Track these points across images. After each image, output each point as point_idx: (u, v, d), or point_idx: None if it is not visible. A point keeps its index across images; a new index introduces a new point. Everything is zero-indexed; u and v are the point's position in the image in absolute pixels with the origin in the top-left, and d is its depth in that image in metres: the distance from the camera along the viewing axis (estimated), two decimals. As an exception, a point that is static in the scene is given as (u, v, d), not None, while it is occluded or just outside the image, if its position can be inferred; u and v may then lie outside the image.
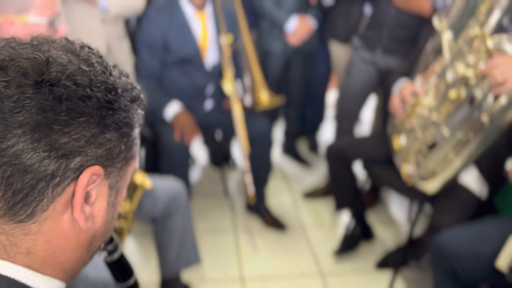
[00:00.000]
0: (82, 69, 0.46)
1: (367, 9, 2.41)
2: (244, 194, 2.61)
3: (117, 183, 0.52)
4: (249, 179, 2.26)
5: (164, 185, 1.73)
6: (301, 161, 3.08)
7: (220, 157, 2.92)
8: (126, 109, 0.49)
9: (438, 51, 1.69)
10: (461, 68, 1.51)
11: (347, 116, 2.49)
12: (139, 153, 0.55)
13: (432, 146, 1.72)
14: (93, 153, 0.47)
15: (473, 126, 1.51)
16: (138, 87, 0.52)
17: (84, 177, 0.46)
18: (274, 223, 2.41)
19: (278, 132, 3.29)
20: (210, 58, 2.30)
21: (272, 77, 2.74)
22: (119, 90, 0.48)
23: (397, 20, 2.16)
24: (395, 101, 1.79)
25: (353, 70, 2.38)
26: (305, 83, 2.94)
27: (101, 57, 0.50)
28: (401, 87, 1.78)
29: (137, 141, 0.54)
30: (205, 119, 2.34)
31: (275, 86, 2.75)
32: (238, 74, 2.42)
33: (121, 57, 2.04)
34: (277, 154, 3.17)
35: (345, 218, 2.45)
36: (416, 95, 1.70)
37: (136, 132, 0.53)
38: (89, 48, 0.50)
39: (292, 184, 2.86)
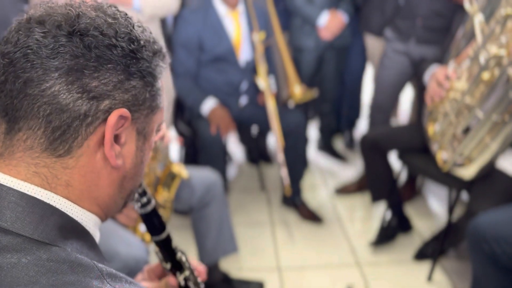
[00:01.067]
0: (108, 22, 0.52)
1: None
2: (280, 189, 2.65)
3: (144, 129, 0.58)
4: (284, 171, 2.29)
5: (200, 175, 1.79)
6: (337, 157, 3.09)
7: (256, 153, 2.97)
8: (149, 59, 0.55)
9: (470, 36, 1.68)
10: (493, 49, 1.49)
11: (381, 109, 2.48)
12: (164, 104, 0.60)
13: (467, 131, 1.70)
14: (120, 97, 0.53)
15: (508, 107, 1.49)
16: (160, 42, 0.58)
17: (113, 118, 0.52)
18: (310, 216, 2.44)
19: (313, 130, 3.31)
20: (243, 55, 2.37)
21: (306, 73, 2.77)
22: (142, 42, 0.54)
23: (431, 8, 2.14)
24: (431, 86, 1.77)
25: (386, 61, 2.37)
26: (339, 79, 2.95)
27: (126, 14, 0.56)
28: (433, 72, 1.77)
29: (161, 92, 0.59)
30: (240, 114, 2.40)
31: (308, 82, 2.78)
32: (272, 69, 2.47)
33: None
34: (312, 150, 3.18)
35: (381, 209, 2.43)
36: (449, 79, 1.69)
37: (160, 83, 0.58)
38: (115, 7, 0.56)
39: (328, 179, 2.87)
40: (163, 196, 1.65)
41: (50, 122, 0.50)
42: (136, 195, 0.71)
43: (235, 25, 2.33)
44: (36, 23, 0.51)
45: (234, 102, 2.40)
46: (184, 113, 2.54)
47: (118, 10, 0.55)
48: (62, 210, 0.52)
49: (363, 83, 3.14)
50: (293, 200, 2.49)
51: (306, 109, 2.99)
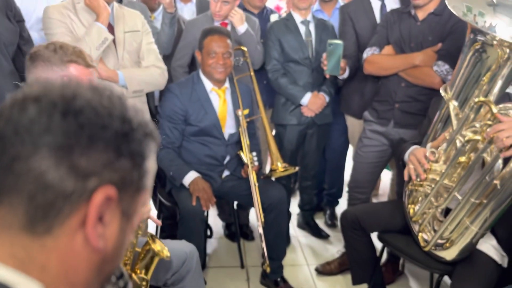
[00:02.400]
0: (102, 103, 0.53)
1: (378, 84, 2.52)
2: (261, 266, 2.57)
3: (129, 210, 0.56)
4: (264, 246, 2.25)
5: (176, 248, 1.74)
6: (319, 234, 3.05)
7: (237, 229, 2.91)
8: (140, 141, 0.55)
9: (446, 120, 1.75)
10: (468, 134, 1.55)
11: (361, 188, 2.50)
12: (151, 187, 0.59)
13: (447, 212, 1.71)
14: (108, 177, 0.52)
15: (485, 190, 1.52)
16: (152, 124, 0.59)
17: (99, 197, 0.51)
18: (291, 296, 2.35)
19: (295, 206, 3.29)
20: (228, 129, 2.41)
21: (288, 149, 2.80)
22: (134, 124, 0.55)
23: (407, 94, 2.24)
24: (410, 162, 1.79)
25: (366, 141, 2.43)
26: (320, 155, 2.99)
27: (121, 96, 0.57)
28: (412, 151, 1.81)
29: (150, 173, 0.58)
30: (222, 188, 2.39)
31: (290, 157, 2.81)
32: (255, 145, 2.50)
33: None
34: (294, 227, 3.14)
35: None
36: (428, 160, 1.73)
37: (149, 164, 0.58)
38: (111, 89, 0.57)
39: (309, 257, 2.81)
40: (140, 276, 1.58)
41: (33, 200, 0.49)
42: (113, 278, 0.68)
43: (221, 101, 2.40)
44: (31, 100, 0.51)
45: (216, 175, 2.40)
46: (165, 184, 2.52)
47: (112, 92, 0.56)
48: None
49: (345, 161, 3.19)
50: (274, 278, 2.41)
51: (288, 187, 2.99)
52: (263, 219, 2.29)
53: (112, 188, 0.52)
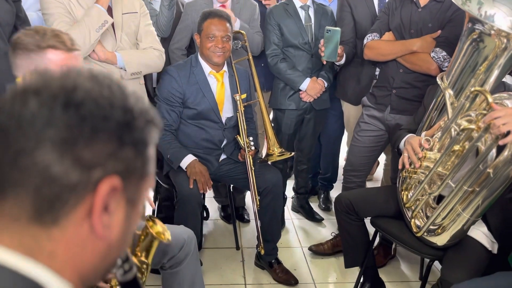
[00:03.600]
0: (103, 93, 0.53)
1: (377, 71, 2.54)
2: (255, 249, 2.62)
3: (134, 198, 0.57)
4: (259, 228, 2.28)
5: (175, 233, 1.76)
6: (313, 218, 3.09)
7: (232, 211, 2.95)
8: (142, 129, 0.56)
9: (441, 109, 1.77)
10: (463, 123, 1.57)
11: (357, 172, 2.53)
12: (154, 172, 0.61)
13: (440, 199, 1.75)
14: (112, 167, 0.53)
15: (478, 178, 1.55)
16: (153, 110, 0.59)
17: (103, 187, 0.52)
18: (285, 277, 2.40)
19: (290, 190, 3.32)
20: (225, 113, 2.42)
21: (285, 133, 2.82)
22: (136, 112, 0.55)
23: (405, 80, 2.26)
24: (405, 151, 1.82)
25: (363, 126, 2.45)
26: (315, 140, 3.02)
27: (120, 86, 0.57)
28: (407, 139, 1.83)
29: (152, 159, 0.59)
30: (219, 171, 2.41)
31: (287, 141, 2.84)
32: (252, 128, 2.52)
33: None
34: (289, 210, 3.18)
35: (356, 273, 2.41)
36: (422, 148, 1.75)
37: (151, 150, 0.59)
38: (110, 77, 0.57)
39: (303, 240, 2.85)
40: (141, 259, 1.60)
41: (39, 193, 0.50)
42: (119, 261, 0.70)
43: (219, 84, 2.40)
44: (32, 93, 0.51)
45: (213, 159, 2.42)
46: (162, 166, 2.54)
47: (112, 81, 0.56)
48: (43, 283, 0.51)
49: (340, 147, 3.22)
50: (269, 260, 2.46)
51: (284, 171, 3.02)
52: (258, 203, 2.33)
53: (116, 178, 0.53)
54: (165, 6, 2.56)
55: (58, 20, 1.82)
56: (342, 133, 3.14)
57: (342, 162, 3.29)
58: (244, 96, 2.45)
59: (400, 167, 1.84)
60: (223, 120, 2.41)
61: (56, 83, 0.52)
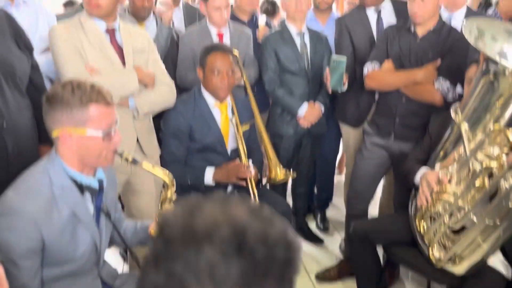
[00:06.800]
0: (270, 233, 0.52)
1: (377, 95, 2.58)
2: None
3: None
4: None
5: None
6: (313, 240, 3.11)
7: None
8: (296, 262, 0.55)
9: (456, 141, 1.83)
10: (480, 157, 1.62)
11: (360, 198, 2.56)
12: None
13: (458, 230, 1.80)
14: None
15: (500, 212, 1.60)
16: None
17: None
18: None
19: (287, 210, 3.33)
20: (230, 144, 2.40)
21: (284, 158, 2.82)
22: (294, 248, 0.54)
23: (408, 108, 2.30)
24: (423, 188, 1.85)
25: (366, 153, 2.48)
26: (313, 162, 3.05)
27: (277, 217, 0.55)
28: (425, 175, 1.87)
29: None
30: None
31: (286, 166, 2.84)
32: (259, 157, 2.50)
33: (149, 150, 2.12)
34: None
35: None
36: (441, 182, 1.79)
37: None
38: (266, 208, 0.56)
39: (308, 264, 2.86)
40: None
41: None
42: None
43: (223, 116, 2.38)
44: (203, 237, 0.50)
45: (220, 191, 2.39)
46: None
47: (270, 213, 0.55)
48: None
49: (335, 166, 3.26)
50: None
51: (284, 192, 3.03)
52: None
53: None
54: (163, 37, 2.55)
55: (71, 63, 1.76)
56: (337, 153, 3.18)
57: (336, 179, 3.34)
58: (247, 127, 2.43)
59: (421, 203, 1.87)
60: (229, 152, 2.39)
61: (224, 227, 0.50)
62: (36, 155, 1.57)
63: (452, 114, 1.80)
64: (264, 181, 2.82)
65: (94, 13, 1.84)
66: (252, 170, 2.38)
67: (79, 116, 1.31)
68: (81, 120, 1.32)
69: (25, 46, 1.55)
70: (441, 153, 1.90)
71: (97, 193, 1.47)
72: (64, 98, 1.31)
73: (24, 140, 1.48)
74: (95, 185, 1.46)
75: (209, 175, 2.25)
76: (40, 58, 1.88)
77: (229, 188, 2.44)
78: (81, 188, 1.41)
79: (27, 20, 1.95)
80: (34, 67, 1.60)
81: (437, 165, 1.89)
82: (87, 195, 1.43)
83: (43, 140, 1.44)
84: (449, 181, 1.78)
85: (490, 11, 3.26)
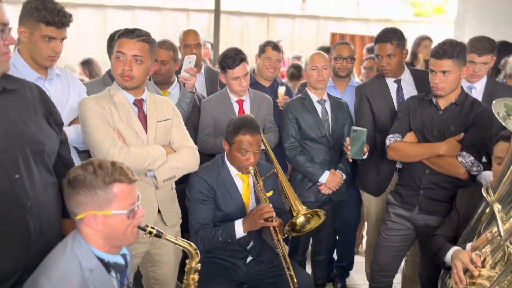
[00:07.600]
0: None
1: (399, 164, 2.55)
2: None
3: None
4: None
5: None
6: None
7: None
8: None
9: (488, 221, 1.77)
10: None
11: (385, 271, 2.47)
12: None
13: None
14: None
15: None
16: None
17: None
18: None
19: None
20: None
21: (304, 225, 2.77)
22: None
23: (432, 181, 2.26)
24: (457, 269, 1.77)
25: (390, 224, 2.41)
26: (333, 230, 2.98)
27: None
28: (457, 255, 1.79)
29: None
30: (246, 274, 2.33)
31: (306, 234, 2.77)
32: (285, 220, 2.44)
33: (170, 220, 2.09)
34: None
35: None
36: (474, 264, 1.72)
37: None
38: None
39: None
40: None
41: None
42: None
43: (245, 185, 2.36)
44: None
45: (241, 262, 2.33)
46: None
47: None
48: None
49: (356, 234, 3.18)
50: None
51: (303, 261, 2.95)
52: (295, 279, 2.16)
53: None
54: (186, 102, 2.57)
55: (103, 134, 1.79)
56: (359, 221, 3.12)
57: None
58: (270, 193, 2.40)
59: (454, 286, 1.79)
60: (250, 220, 2.35)
61: None
62: (58, 232, 1.55)
63: (484, 194, 1.76)
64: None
65: (127, 84, 1.88)
66: (276, 218, 2.29)
67: (104, 197, 1.31)
68: (106, 201, 1.32)
69: (55, 122, 1.57)
70: (472, 233, 1.84)
71: (123, 269, 1.46)
72: (87, 180, 1.30)
73: (47, 219, 1.46)
74: (121, 261, 1.46)
75: (239, 228, 2.20)
76: (68, 129, 1.90)
77: (249, 258, 2.37)
78: (107, 266, 1.40)
79: (60, 92, 2.00)
80: (62, 141, 1.61)
81: (468, 245, 1.82)
82: (113, 272, 1.42)
83: (66, 214, 1.43)
84: (483, 265, 1.70)
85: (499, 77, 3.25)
